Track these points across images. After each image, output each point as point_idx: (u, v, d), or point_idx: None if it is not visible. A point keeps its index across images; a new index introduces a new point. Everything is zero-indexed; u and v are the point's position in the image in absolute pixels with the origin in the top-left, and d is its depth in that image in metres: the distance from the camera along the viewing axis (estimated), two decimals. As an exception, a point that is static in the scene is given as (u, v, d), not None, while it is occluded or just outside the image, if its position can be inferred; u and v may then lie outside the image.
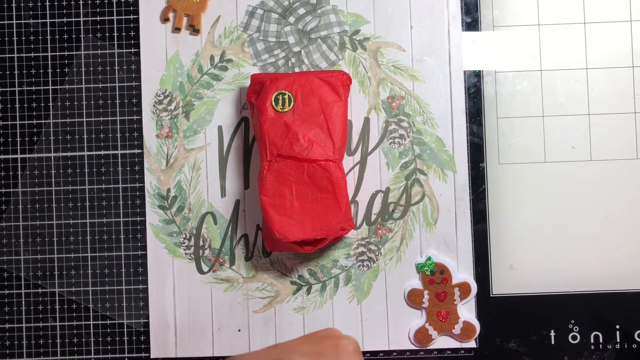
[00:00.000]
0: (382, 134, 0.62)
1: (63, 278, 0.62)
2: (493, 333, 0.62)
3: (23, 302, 0.62)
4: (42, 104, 0.63)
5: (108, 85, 0.63)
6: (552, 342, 0.61)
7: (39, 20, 0.63)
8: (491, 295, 0.62)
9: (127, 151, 0.63)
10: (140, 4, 0.63)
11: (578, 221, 0.62)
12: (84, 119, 0.63)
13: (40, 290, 0.62)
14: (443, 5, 0.62)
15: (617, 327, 0.61)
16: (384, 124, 0.62)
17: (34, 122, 0.63)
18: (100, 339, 0.62)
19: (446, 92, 0.62)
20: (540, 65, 0.62)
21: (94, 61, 0.63)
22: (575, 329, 0.61)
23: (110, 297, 0.62)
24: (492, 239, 0.62)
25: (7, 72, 0.63)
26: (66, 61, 0.63)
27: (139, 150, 0.63)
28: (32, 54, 0.63)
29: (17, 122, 0.63)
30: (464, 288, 0.61)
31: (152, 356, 0.62)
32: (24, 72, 0.63)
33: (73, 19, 0.63)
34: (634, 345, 0.61)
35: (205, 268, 0.62)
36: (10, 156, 0.63)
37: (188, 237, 0.62)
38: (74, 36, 0.63)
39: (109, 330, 0.62)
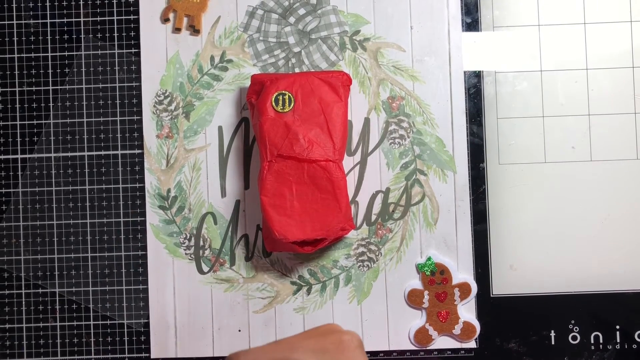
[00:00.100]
0: (382, 134, 0.62)
1: (63, 278, 0.62)
2: (493, 333, 0.62)
3: (23, 302, 0.62)
4: (43, 104, 0.63)
5: (108, 85, 0.63)
6: (552, 343, 0.61)
7: (39, 20, 0.63)
8: (491, 296, 0.62)
9: (128, 151, 0.63)
10: (140, 4, 0.63)
11: (578, 221, 0.62)
12: (84, 119, 0.63)
13: (40, 290, 0.62)
14: (443, 5, 0.62)
15: (617, 327, 0.61)
16: (384, 124, 0.62)
17: (34, 122, 0.63)
18: (101, 339, 0.62)
19: (446, 92, 0.62)
20: (540, 65, 0.62)
21: (94, 61, 0.63)
22: (576, 329, 0.61)
23: (110, 297, 0.62)
24: (492, 239, 0.62)
25: (7, 72, 0.63)
26: (66, 61, 0.63)
27: (139, 151, 0.63)
28: (33, 54, 0.63)
29: (18, 122, 0.63)
30: (464, 288, 0.61)
31: (152, 356, 0.62)
32: (24, 72, 0.63)
33: (73, 19, 0.63)
34: (634, 346, 0.61)
35: (205, 268, 0.62)
36: (10, 156, 0.63)
37: (188, 238, 0.62)
38: (74, 36, 0.63)
39: (109, 330, 0.62)
